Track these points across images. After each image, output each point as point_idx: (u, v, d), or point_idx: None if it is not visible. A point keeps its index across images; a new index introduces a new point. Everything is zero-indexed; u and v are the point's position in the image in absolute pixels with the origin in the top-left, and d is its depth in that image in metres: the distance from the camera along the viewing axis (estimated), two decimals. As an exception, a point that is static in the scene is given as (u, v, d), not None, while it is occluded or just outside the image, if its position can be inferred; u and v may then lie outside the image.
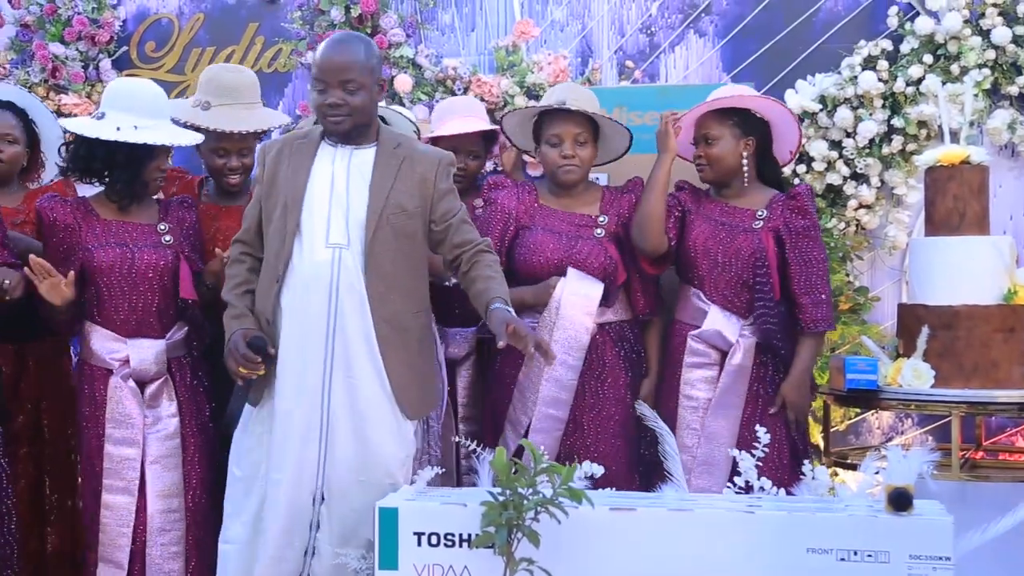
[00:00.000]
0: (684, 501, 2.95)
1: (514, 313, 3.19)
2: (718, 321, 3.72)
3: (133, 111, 3.53)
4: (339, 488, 3.21)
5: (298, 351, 3.24)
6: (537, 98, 4.95)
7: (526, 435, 3.67)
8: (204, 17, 5.44)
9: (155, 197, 3.73)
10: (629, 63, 5.11)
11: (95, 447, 3.53)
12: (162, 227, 3.64)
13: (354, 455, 3.22)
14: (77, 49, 5.36)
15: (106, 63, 5.38)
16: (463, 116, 4.26)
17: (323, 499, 3.22)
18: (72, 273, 3.44)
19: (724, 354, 3.73)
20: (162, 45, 5.47)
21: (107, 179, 3.60)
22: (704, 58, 5.07)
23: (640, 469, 3.77)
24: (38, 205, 3.65)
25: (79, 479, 3.77)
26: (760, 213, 3.78)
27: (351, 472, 3.21)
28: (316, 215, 3.26)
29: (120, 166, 3.55)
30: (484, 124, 4.29)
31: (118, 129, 3.48)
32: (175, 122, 3.73)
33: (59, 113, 5.25)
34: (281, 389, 3.26)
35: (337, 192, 3.28)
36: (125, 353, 3.54)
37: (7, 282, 3.38)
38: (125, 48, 5.44)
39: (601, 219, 3.81)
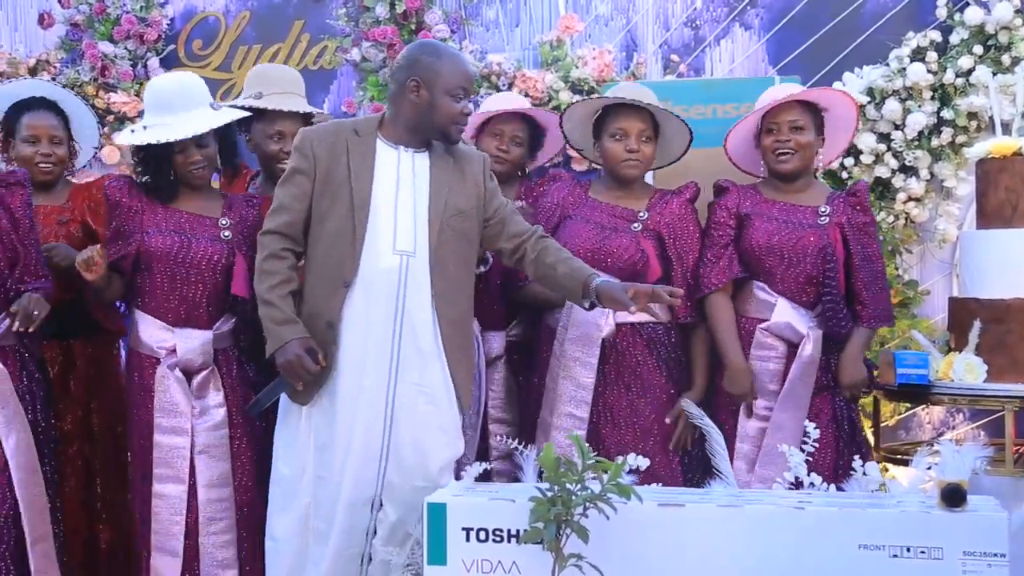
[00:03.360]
0: (733, 497, 2.94)
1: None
2: (787, 313, 3.72)
3: (157, 109, 3.59)
4: (396, 495, 3.22)
5: (362, 356, 3.24)
6: (581, 93, 4.95)
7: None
8: (250, 15, 5.47)
9: (222, 192, 3.76)
10: (674, 57, 5.09)
11: (144, 436, 3.56)
12: (223, 222, 3.65)
13: (413, 463, 3.24)
14: (126, 48, 5.40)
15: (154, 61, 5.42)
16: (505, 101, 4.30)
17: (380, 506, 3.24)
18: (100, 248, 3.49)
19: (790, 346, 3.71)
20: (209, 43, 5.50)
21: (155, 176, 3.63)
22: (750, 51, 5.04)
23: (685, 472, 3.75)
24: (105, 185, 3.69)
25: (132, 473, 3.80)
26: (823, 209, 3.78)
27: (408, 479, 3.22)
28: (382, 220, 3.25)
29: (147, 164, 3.61)
30: (526, 103, 4.31)
31: (132, 131, 3.59)
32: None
33: (108, 111, 5.31)
34: (342, 393, 3.25)
35: (403, 197, 3.28)
36: (172, 343, 3.56)
37: (36, 313, 3.43)
38: (173, 46, 5.48)
39: (641, 214, 3.79)
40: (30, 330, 3.43)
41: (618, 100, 3.79)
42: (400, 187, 3.29)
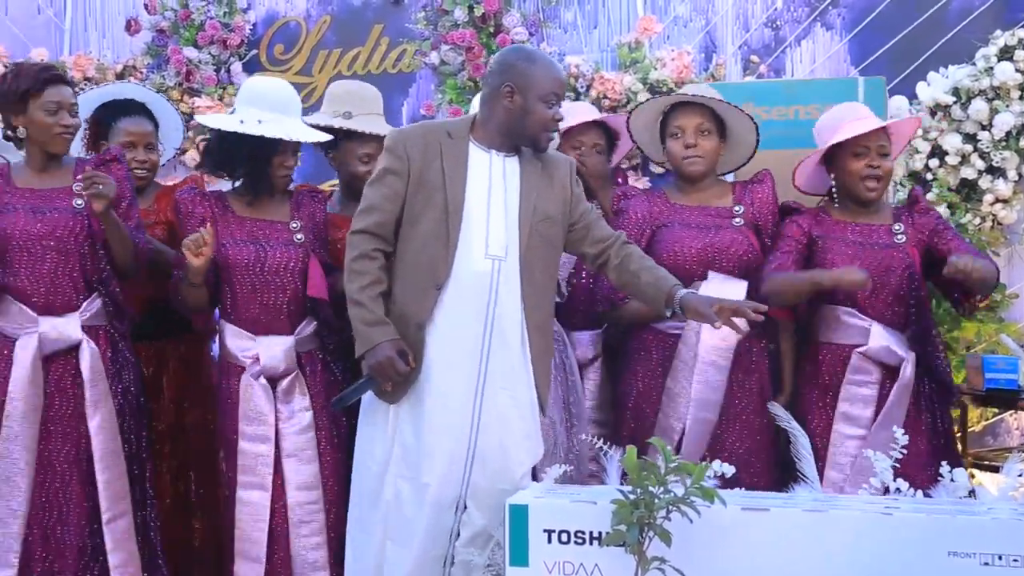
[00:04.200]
0: (818, 502, 2.90)
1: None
2: (884, 337, 3.65)
3: (261, 106, 3.62)
4: (481, 498, 3.23)
5: (451, 359, 3.24)
6: (660, 94, 4.91)
7: (680, 441, 3.66)
8: (331, 19, 5.53)
9: (288, 190, 3.79)
10: (754, 58, 5.05)
11: (231, 442, 3.61)
12: (294, 224, 3.69)
13: (498, 466, 3.24)
14: (209, 53, 5.49)
15: (237, 66, 5.50)
16: (581, 111, 4.28)
17: (464, 508, 3.25)
18: (210, 226, 3.54)
19: (884, 371, 3.65)
20: (290, 47, 5.57)
21: (236, 174, 3.69)
22: (831, 52, 4.98)
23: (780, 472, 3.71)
24: (177, 197, 3.73)
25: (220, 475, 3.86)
26: (897, 227, 3.75)
27: (493, 481, 3.22)
28: (475, 224, 3.26)
29: (246, 160, 3.63)
30: (596, 112, 4.31)
31: (242, 122, 3.58)
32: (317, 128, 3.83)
33: (191, 115, 5.40)
34: (430, 395, 3.25)
35: (495, 201, 3.28)
36: (255, 351, 3.60)
37: (100, 187, 3.44)
38: (255, 51, 5.56)
39: (737, 208, 3.78)
40: (86, 193, 3.47)
41: (676, 98, 3.79)
42: (492, 191, 3.30)
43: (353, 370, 3.51)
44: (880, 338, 3.65)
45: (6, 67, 5.49)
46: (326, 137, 3.75)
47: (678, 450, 3.58)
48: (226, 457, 3.64)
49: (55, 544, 3.50)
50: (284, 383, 3.62)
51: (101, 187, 3.44)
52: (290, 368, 3.63)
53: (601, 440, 3.18)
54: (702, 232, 3.74)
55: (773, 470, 3.70)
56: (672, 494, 2.66)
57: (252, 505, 3.56)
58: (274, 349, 3.60)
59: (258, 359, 3.60)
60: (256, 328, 3.62)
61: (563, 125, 4.06)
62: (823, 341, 3.75)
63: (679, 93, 3.82)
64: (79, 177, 3.50)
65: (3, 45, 5.62)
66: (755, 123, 3.82)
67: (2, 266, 3.53)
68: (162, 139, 4.16)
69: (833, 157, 3.77)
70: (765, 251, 3.77)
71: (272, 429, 3.58)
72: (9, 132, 3.62)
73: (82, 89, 5.32)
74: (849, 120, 3.74)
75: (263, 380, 3.59)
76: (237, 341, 3.63)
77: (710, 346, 3.66)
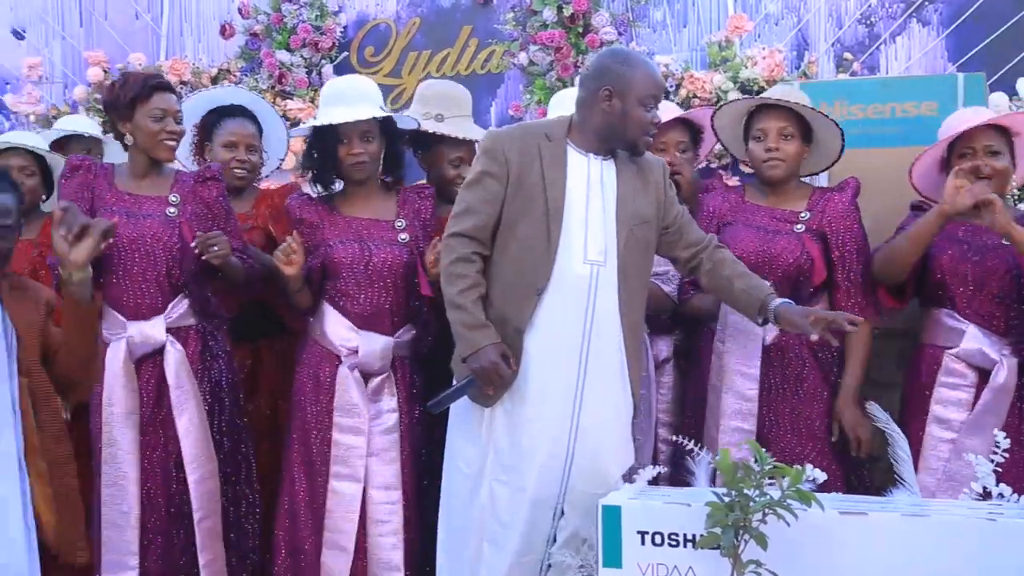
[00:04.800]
0: (918, 506, 2.84)
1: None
2: (978, 339, 3.56)
3: (324, 103, 3.70)
4: (578, 501, 3.21)
5: (550, 363, 3.23)
6: (750, 93, 4.88)
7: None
8: (420, 21, 5.57)
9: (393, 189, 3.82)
10: (847, 55, 4.98)
11: (311, 427, 3.64)
12: (399, 223, 3.72)
13: (595, 470, 3.22)
14: (301, 56, 5.57)
15: (328, 68, 5.57)
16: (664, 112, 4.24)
17: (562, 513, 3.23)
18: (296, 234, 3.61)
19: (981, 375, 3.56)
20: (380, 49, 5.63)
21: (315, 171, 3.73)
22: (927, 48, 4.89)
23: (842, 472, 3.64)
24: (287, 204, 3.79)
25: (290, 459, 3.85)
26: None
27: (589, 485, 3.19)
28: (574, 228, 3.24)
29: (316, 155, 3.70)
30: (677, 109, 4.25)
31: (314, 118, 3.69)
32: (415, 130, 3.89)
33: (284, 118, 5.47)
34: (528, 399, 3.24)
35: (593, 205, 3.27)
36: (355, 343, 3.64)
37: (215, 247, 3.55)
38: (345, 53, 5.63)
39: (803, 215, 3.69)
40: (203, 257, 3.54)
41: (760, 100, 3.72)
42: (591, 195, 3.28)
43: (438, 379, 3.53)
44: (974, 340, 3.57)
45: (106, 72, 5.65)
46: (379, 115, 3.67)
47: None
48: (302, 443, 3.66)
49: (160, 544, 3.57)
50: (375, 382, 3.66)
51: (216, 248, 3.54)
52: (384, 368, 3.66)
53: (682, 439, 3.15)
54: (760, 234, 3.68)
55: (836, 474, 3.60)
56: (768, 497, 2.63)
57: (343, 496, 3.60)
58: (373, 346, 3.64)
59: (356, 352, 3.64)
60: (359, 322, 3.65)
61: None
62: (923, 343, 3.68)
63: (762, 96, 3.75)
64: (193, 244, 3.57)
65: (103, 50, 5.75)
66: (840, 128, 3.72)
67: (99, 270, 3.60)
68: (266, 148, 4.22)
69: (948, 159, 3.69)
70: (829, 260, 3.67)
71: (366, 423, 3.62)
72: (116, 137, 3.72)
73: (180, 95, 5.47)
74: (965, 121, 3.65)
75: (357, 374, 3.63)
76: (338, 329, 3.66)
77: (734, 353, 3.62)
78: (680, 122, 4.10)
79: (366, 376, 3.65)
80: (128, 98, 3.62)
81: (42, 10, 5.94)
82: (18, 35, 5.99)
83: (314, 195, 3.77)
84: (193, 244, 3.56)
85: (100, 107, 5.59)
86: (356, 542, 3.60)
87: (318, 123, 3.66)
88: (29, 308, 3.09)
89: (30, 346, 3.06)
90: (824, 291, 3.69)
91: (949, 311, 3.61)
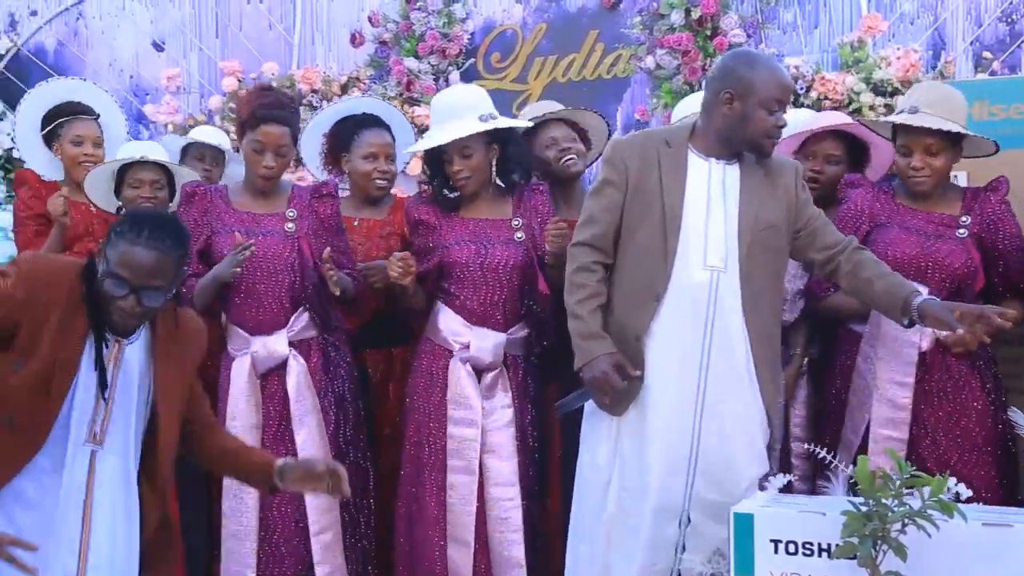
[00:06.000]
0: (1066, 520, 2.74)
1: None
2: None
3: (432, 120, 3.81)
4: (705, 509, 3.18)
5: (671, 370, 3.21)
6: (884, 95, 4.77)
7: (856, 456, 3.51)
8: (547, 27, 5.58)
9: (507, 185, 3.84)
10: (987, 54, 4.83)
11: (424, 422, 3.68)
12: (515, 222, 3.74)
13: (721, 478, 3.19)
14: (429, 63, 5.63)
15: (455, 75, 5.62)
16: (819, 118, 4.11)
17: (689, 521, 3.20)
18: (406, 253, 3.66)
19: None
20: (506, 55, 5.65)
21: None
22: (1072, 45, 4.72)
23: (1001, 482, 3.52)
24: (405, 205, 3.88)
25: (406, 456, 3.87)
26: None
27: (716, 493, 3.17)
28: (692, 234, 3.21)
29: (430, 169, 3.78)
30: (842, 118, 4.09)
31: (413, 130, 3.89)
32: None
33: (412, 125, 5.54)
34: (650, 406, 3.23)
35: (713, 211, 3.23)
36: (467, 339, 3.67)
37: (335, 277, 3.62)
38: (472, 60, 5.67)
39: (964, 219, 3.57)
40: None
41: (904, 119, 3.51)
42: (711, 201, 3.24)
43: (561, 383, 3.54)
44: None
45: (240, 81, 5.80)
46: (459, 135, 3.66)
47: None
48: (416, 438, 3.69)
49: (277, 557, 3.64)
50: (488, 378, 3.68)
51: (335, 278, 3.61)
52: (496, 363, 3.69)
53: (816, 448, 3.08)
54: (921, 238, 3.56)
55: (1001, 487, 3.50)
56: (908, 507, 2.56)
57: (460, 489, 3.62)
58: (485, 341, 3.67)
59: (468, 347, 3.66)
60: (472, 319, 3.69)
61: (787, 132, 3.96)
62: None
63: (907, 110, 3.56)
64: (323, 258, 3.62)
65: (238, 61, 5.91)
66: (996, 144, 3.57)
67: (225, 288, 3.69)
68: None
69: None
70: (988, 264, 3.55)
71: (479, 415, 3.64)
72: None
73: (310, 103, 5.59)
74: None
75: (469, 368, 3.66)
76: (451, 325, 3.70)
77: (887, 361, 3.50)
78: (834, 133, 3.92)
79: (479, 372, 3.68)
80: (240, 120, 3.76)
81: (180, 23, 6.13)
82: (158, 47, 6.18)
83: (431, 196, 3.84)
84: (323, 258, 3.62)
85: (234, 117, 5.75)
86: (478, 538, 3.62)
87: (413, 149, 3.89)
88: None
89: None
90: (981, 297, 3.55)
91: None
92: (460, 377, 3.65)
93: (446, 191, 3.77)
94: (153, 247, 2.66)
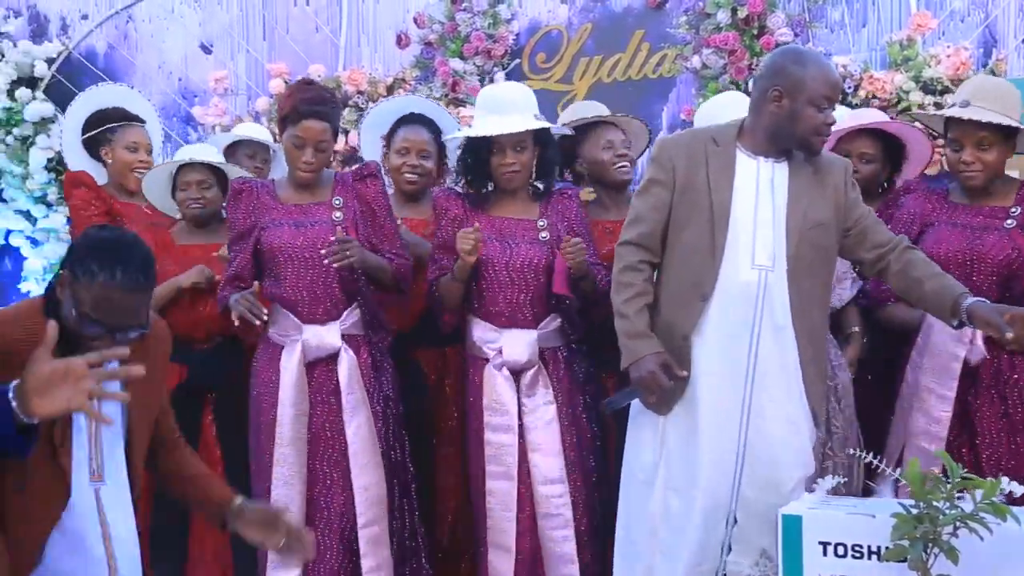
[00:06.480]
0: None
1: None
2: None
3: (480, 111, 3.77)
4: (751, 510, 3.16)
5: (717, 370, 3.20)
6: (934, 93, 4.72)
7: (899, 463, 3.47)
8: (592, 27, 5.56)
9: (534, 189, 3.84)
10: (1039, 51, 4.77)
11: (474, 432, 3.70)
12: (541, 223, 3.75)
13: (768, 478, 3.17)
14: (474, 64, 5.63)
15: (500, 75, 5.61)
16: (854, 116, 4.10)
17: (735, 521, 3.18)
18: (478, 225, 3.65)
19: None
20: (552, 56, 5.64)
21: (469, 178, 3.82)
22: None
23: None
24: (434, 196, 3.89)
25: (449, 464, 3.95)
26: None
27: (762, 494, 3.15)
28: (741, 233, 3.20)
29: (472, 160, 3.76)
30: (874, 116, 4.07)
31: (459, 129, 3.76)
32: None
33: (458, 125, 5.56)
34: (696, 405, 3.21)
35: (762, 210, 3.22)
36: (499, 344, 3.68)
37: (348, 252, 3.59)
38: (517, 60, 5.66)
39: (1014, 210, 3.53)
40: (335, 265, 3.60)
41: (955, 113, 3.52)
42: (760, 199, 3.23)
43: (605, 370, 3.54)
44: None
45: (287, 83, 5.84)
46: (529, 127, 3.68)
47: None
48: (472, 449, 3.71)
49: (324, 548, 3.64)
50: (527, 377, 3.68)
51: (349, 254, 3.59)
52: (532, 361, 3.69)
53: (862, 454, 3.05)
54: (966, 233, 3.54)
55: None
56: (959, 510, 2.53)
57: (499, 495, 3.63)
58: (517, 342, 3.67)
59: (501, 351, 3.67)
60: (501, 322, 3.70)
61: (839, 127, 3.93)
62: None
63: (958, 104, 3.53)
64: (323, 251, 3.62)
65: (285, 63, 5.95)
66: None
67: (273, 278, 3.72)
68: (450, 155, 4.24)
69: None
70: None
71: (515, 420, 3.65)
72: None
73: (356, 104, 5.61)
74: None
75: (506, 371, 3.66)
76: (482, 334, 3.71)
77: (930, 370, 3.47)
78: (871, 132, 3.92)
79: (517, 373, 3.68)
80: (281, 115, 3.76)
81: (228, 25, 6.18)
82: (206, 50, 6.24)
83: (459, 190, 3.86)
84: (323, 252, 3.62)
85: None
86: (528, 537, 3.62)
87: (473, 134, 3.72)
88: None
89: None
90: None
91: None
92: (496, 383, 3.66)
93: (478, 186, 3.78)
94: (129, 287, 2.48)
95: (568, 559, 3.61)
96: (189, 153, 4.26)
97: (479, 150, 3.72)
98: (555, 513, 3.62)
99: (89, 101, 4.71)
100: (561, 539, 3.62)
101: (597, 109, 4.33)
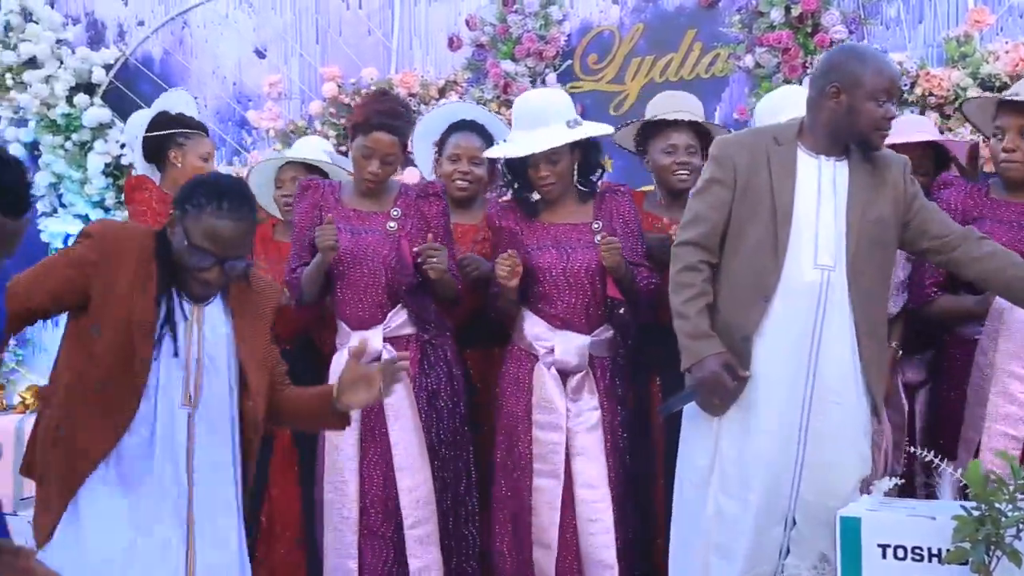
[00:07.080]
0: None
1: None
2: None
3: (515, 124, 3.81)
4: (810, 513, 3.13)
5: (779, 371, 3.17)
6: (992, 90, 4.65)
7: (976, 454, 3.43)
8: (644, 27, 5.54)
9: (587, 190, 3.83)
10: (1100, 47, 4.68)
11: (512, 426, 3.71)
12: (595, 225, 3.75)
13: (827, 481, 3.13)
14: (526, 65, 5.63)
15: (551, 77, 5.61)
16: (908, 129, 4.00)
17: (794, 523, 3.15)
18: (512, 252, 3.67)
19: None
20: (603, 56, 5.63)
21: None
22: None
23: None
24: (487, 212, 3.94)
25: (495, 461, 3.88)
26: None
27: (822, 496, 3.11)
28: (804, 232, 3.17)
29: (511, 173, 3.80)
30: (931, 135, 4.01)
31: (504, 141, 3.83)
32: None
33: (509, 127, 5.56)
34: (756, 407, 3.18)
35: (823, 209, 3.19)
36: (552, 343, 3.69)
37: (434, 259, 3.64)
38: (569, 62, 5.65)
39: None
40: (423, 266, 3.65)
41: (990, 97, 3.50)
42: (821, 199, 3.20)
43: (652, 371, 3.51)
44: None
45: (340, 87, 5.88)
46: (552, 144, 3.66)
47: None
48: (507, 442, 3.72)
49: (375, 549, 3.68)
50: (574, 380, 3.69)
51: (435, 260, 3.63)
52: (581, 366, 3.70)
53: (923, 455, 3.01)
54: (1013, 230, 3.50)
55: None
56: (1022, 512, 2.49)
57: (545, 493, 3.65)
58: (570, 344, 3.69)
59: (553, 351, 3.68)
60: (556, 323, 3.71)
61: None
62: None
63: (1009, 95, 3.51)
64: (416, 250, 3.68)
65: (337, 66, 5.98)
66: None
67: (331, 284, 3.78)
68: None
69: None
70: None
71: (563, 419, 3.66)
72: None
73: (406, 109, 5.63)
74: None
75: (554, 372, 3.67)
76: (536, 330, 3.73)
77: (1009, 353, 3.41)
78: (912, 144, 3.80)
79: (565, 375, 3.69)
80: (352, 124, 3.81)
81: (281, 30, 6.23)
82: (260, 54, 6.30)
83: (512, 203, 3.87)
84: (415, 250, 3.67)
85: (334, 122, 5.83)
86: (567, 541, 3.63)
87: (498, 154, 3.82)
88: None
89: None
90: None
91: None
92: (545, 382, 3.67)
93: (527, 195, 3.79)
94: (235, 218, 2.73)
95: (607, 564, 3.62)
96: (294, 151, 4.30)
97: (516, 164, 3.76)
98: (595, 518, 3.63)
99: (159, 106, 4.78)
100: (601, 545, 3.63)
101: (686, 101, 4.22)
